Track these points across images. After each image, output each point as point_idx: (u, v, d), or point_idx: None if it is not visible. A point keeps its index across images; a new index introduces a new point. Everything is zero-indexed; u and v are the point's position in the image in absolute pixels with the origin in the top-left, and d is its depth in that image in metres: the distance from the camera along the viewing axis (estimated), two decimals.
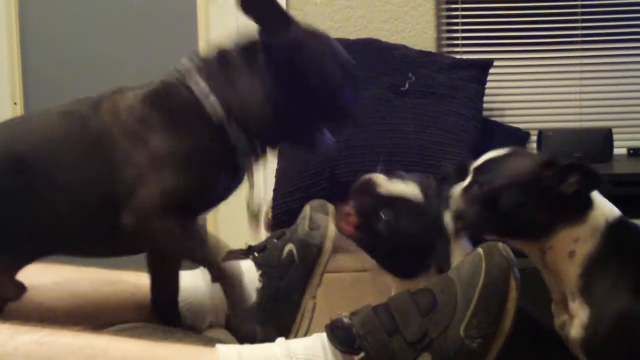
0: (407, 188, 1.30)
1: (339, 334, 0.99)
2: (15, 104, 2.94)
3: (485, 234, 1.22)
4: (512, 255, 1.04)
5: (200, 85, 1.19)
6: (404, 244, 1.24)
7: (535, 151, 1.30)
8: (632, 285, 1.14)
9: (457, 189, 1.25)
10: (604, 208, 1.21)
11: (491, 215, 1.20)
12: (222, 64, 1.22)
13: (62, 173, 1.14)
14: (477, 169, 1.24)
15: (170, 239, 1.15)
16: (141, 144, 1.14)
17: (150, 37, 2.94)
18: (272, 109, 1.19)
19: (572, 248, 1.18)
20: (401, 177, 1.31)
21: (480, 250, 1.04)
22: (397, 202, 1.28)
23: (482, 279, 1.00)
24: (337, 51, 1.25)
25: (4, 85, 2.93)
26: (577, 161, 1.18)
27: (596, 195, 1.20)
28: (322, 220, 1.40)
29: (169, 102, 1.19)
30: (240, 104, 1.19)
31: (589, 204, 1.20)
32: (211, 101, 1.18)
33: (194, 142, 1.17)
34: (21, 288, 1.15)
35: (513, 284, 1.01)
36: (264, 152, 1.25)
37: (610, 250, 1.18)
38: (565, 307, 1.22)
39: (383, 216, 1.26)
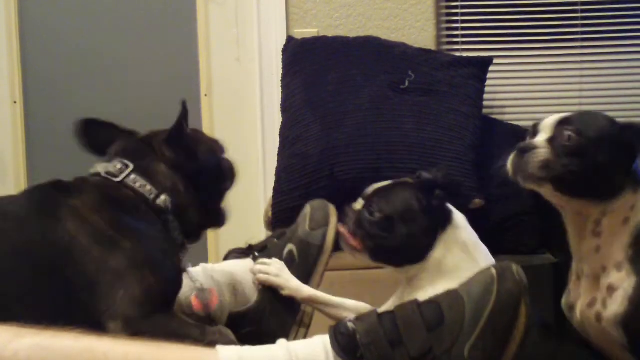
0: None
1: (342, 340, 0.98)
2: (15, 102, 2.94)
3: (560, 191, 1.22)
4: (525, 279, 1.03)
5: (146, 187, 1.23)
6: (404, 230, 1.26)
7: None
8: None
9: (541, 138, 1.25)
10: None
11: (578, 169, 1.20)
12: (148, 165, 1.27)
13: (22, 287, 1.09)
14: (562, 121, 1.24)
15: (166, 332, 1.10)
16: (115, 249, 1.13)
17: (150, 36, 2.94)
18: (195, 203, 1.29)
19: (628, 215, 1.18)
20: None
21: (493, 270, 1.03)
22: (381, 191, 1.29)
23: (492, 302, 1.00)
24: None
25: (4, 84, 2.93)
26: None
27: None
28: (323, 219, 1.41)
29: (124, 205, 1.21)
30: (176, 201, 1.25)
31: None
32: (162, 199, 1.23)
33: (156, 237, 1.20)
34: None
35: (523, 310, 1.01)
36: (189, 242, 1.31)
37: None
38: (590, 285, 1.20)
39: (373, 207, 1.27)
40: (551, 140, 1.24)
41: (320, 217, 1.41)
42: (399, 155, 2.36)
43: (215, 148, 1.36)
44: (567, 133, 1.23)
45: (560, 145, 1.23)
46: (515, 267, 1.04)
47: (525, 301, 1.01)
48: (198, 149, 1.31)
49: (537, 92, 2.92)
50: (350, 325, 1.00)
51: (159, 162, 1.26)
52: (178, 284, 1.23)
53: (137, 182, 1.23)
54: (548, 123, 1.27)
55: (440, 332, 0.99)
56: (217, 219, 1.36)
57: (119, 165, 1.24)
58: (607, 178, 1.20)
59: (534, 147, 1.25)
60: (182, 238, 1.26)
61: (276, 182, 2.41)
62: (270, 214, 2.37)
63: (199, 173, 1.29)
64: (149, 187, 1.23)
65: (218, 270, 1.40)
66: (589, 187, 1.21)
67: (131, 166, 1.24)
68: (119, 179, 1.22)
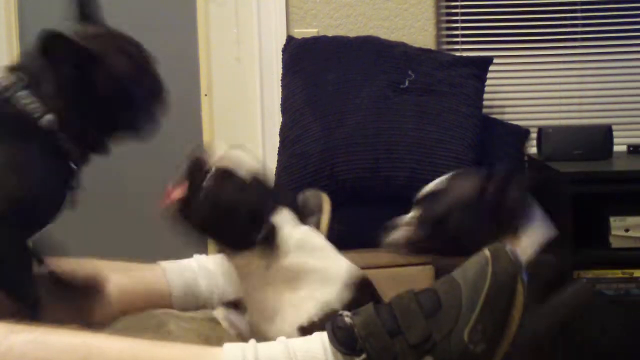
0: (241, 159, 1.27)
1: (340, 335, 0.98)
2: None
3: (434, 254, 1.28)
4: (519, 259, 1.01)
5: (31, 102, 1.19)
6: (225, 212, 1.20)
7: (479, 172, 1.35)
8: None
9: (406, 217, 1.32)
10: None
11: (443, 238, 1.24)
12: (37, 76, 1.22)
13: None
14: (422, 198, 1.31)
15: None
16: None
17: (150, 36, 2.93)
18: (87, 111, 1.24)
19: None
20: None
21: (487, 252, 1.02)
22: (224, 173, 1.25)
23: (487, 283, 0.99)
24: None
25: None
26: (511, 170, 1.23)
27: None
28: (316, 207, 1.41)
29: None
30: (65, 113, 1.20)
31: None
32: (46, 119, 1.18)
33: (26, 151, 1.16)
34: None
35: (520, 289, 0.99)
36: (92, 151, 1.27)
37: None
38: None
39: (205, 184, 1.21)
40: (416, 217, 1.32)
41: (313, 206, 1.41)
42: (399, 155, 2.36)
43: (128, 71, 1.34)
44: (426, 208, 1.31)
45: (421, 221, 1.31)
46: (508, 248, 1.02)
47: (522, 280, 1.00)
48: (100, 68, 1.30)
49: (537, 92, 2.92)
50: (347, 319, 1.00)
51: (53, 79, 1.21)
52: (43, 206, 1.18)
53: (25, 99, 1.18)
54: (417, 198, 1.35)
55: (438, 319, 0.98)
56: (96, 147, 1.28)
57: (12, 79, 1.20)
58: (477, 237, 1.22)
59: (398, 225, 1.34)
60: (78, 161, 1.22)
61: (276, 181, 2.41)
62: None
63: (91, 95, 1.24)
64: (34, 105, 1.18)
65: (211, 260, 1.40)
66: (463, 249, 1.24)
67: (24, 82, 1.20)
68: (4, 96, 1.18)
